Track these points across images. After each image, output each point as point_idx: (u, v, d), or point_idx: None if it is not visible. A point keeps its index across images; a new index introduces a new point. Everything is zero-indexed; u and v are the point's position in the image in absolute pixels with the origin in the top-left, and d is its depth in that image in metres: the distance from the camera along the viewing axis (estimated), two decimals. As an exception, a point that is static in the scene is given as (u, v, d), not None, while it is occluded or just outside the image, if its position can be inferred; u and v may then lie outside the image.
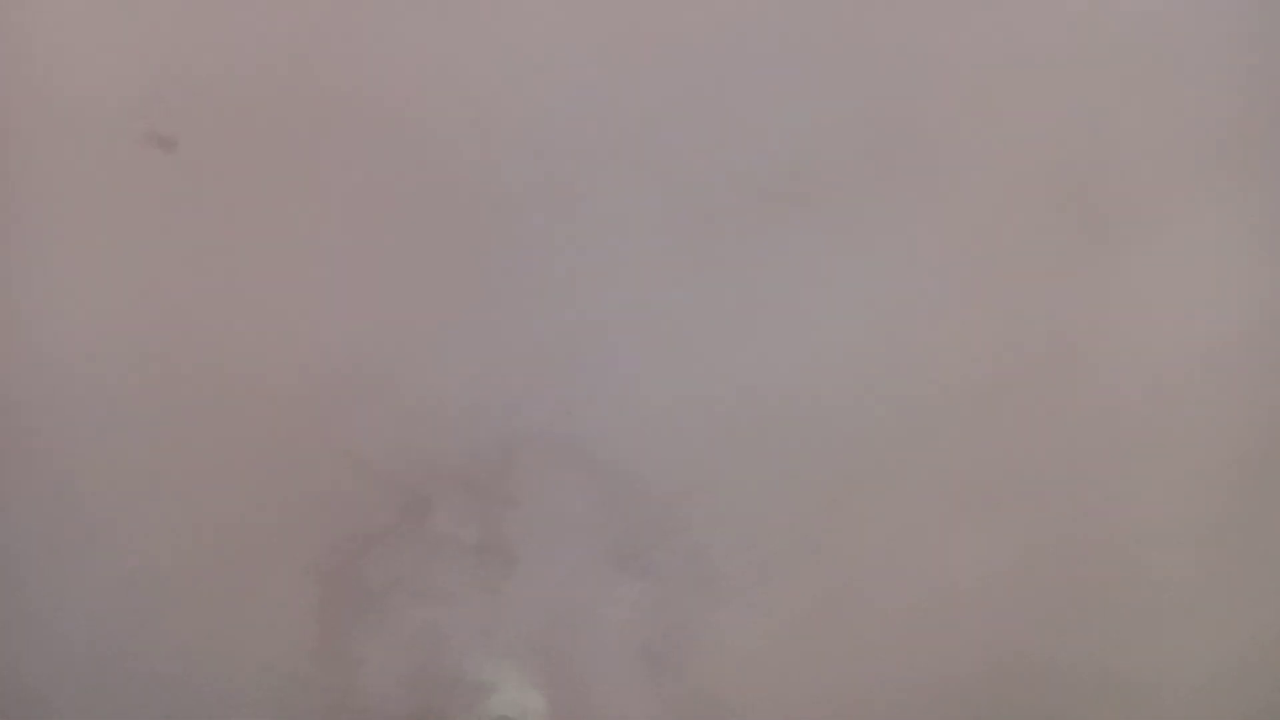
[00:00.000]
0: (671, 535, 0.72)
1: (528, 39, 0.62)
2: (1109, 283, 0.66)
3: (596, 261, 0.67)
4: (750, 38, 0.62)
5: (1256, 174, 0.66)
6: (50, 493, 0.69)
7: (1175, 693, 0.77)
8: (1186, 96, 0.64)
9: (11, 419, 0.68)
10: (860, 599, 0.75)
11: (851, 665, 0.78)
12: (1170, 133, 0.65)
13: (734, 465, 0.70)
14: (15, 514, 0.70)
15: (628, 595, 0.73)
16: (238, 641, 0.71)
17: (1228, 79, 0.64)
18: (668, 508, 0.71)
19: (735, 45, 0.62)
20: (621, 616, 0.74)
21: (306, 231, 0.66)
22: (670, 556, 0.72)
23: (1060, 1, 0.62)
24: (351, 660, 0.71)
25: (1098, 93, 0.63)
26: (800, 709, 0.79)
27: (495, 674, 0.74)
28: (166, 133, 0.62)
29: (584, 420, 0.69)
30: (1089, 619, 0.75)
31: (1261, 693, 0.77)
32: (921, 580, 0.74)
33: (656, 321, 0.68)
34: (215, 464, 0.68)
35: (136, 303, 0.67)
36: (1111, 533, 0.72)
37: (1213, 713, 0.77)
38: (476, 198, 0.65)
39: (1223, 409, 0.70)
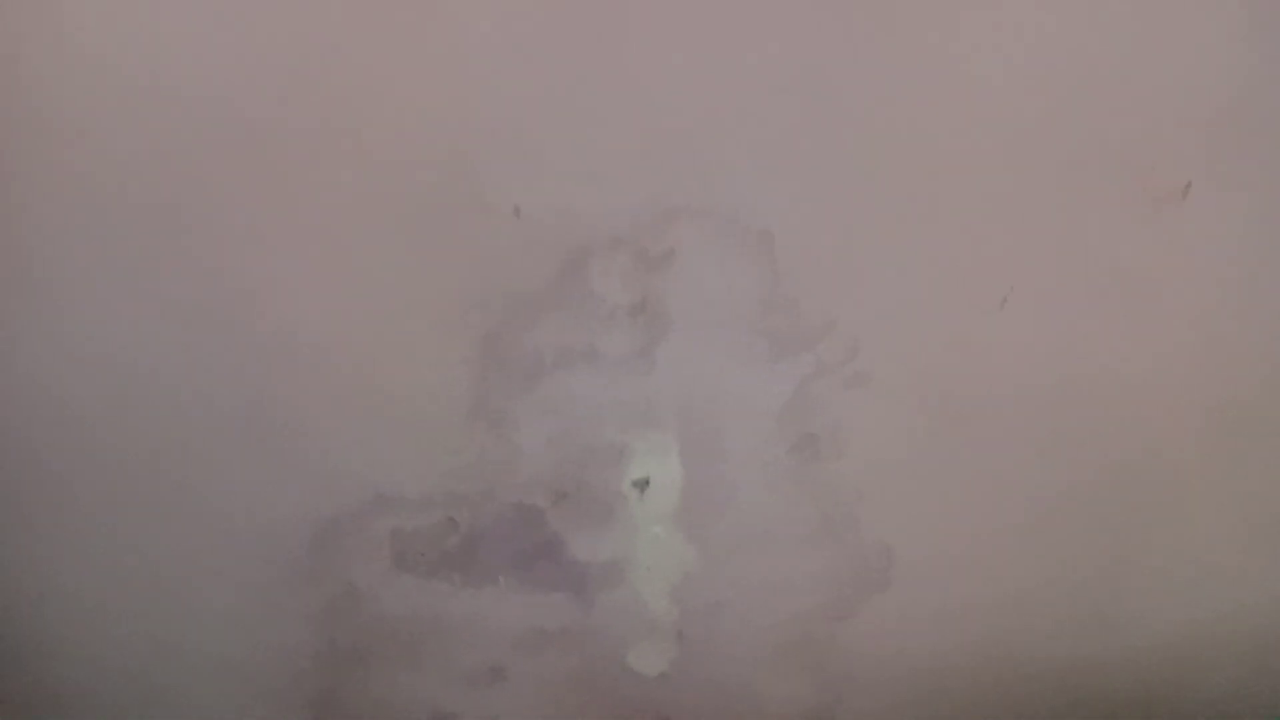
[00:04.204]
0: (835, 330, 0.70)
1: None
2: None
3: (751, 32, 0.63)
4: None
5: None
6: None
7: None
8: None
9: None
10: (1004, 412, 0.73)
11: (987, 474, 0.76)
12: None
13: (891, 268, 0.68)
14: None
15: (784, 383, 0.72)
16: (396, 401, 0.72)
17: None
18: (833, 303, 0.69)
19: None
20: (773, 405, 0.73)
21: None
22: (831, 351, 0.70)
23: None
24: (504, 421, 0.73)
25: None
26: (936, 507, 0.78)
27: (638, 441, 0.75)
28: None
29: (747, 202, 0.66)
30: None
31: None
32: (1074, 395, 0.72)
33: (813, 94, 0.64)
34: (373, 219, 0.66)
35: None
36: None
37: None
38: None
39: None
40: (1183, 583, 0.85)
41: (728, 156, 0.66)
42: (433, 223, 0.66)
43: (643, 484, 0.80)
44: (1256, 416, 0.75)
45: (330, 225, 0.66)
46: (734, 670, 0.91)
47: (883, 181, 0.67)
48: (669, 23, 0.65)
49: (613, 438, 0.75)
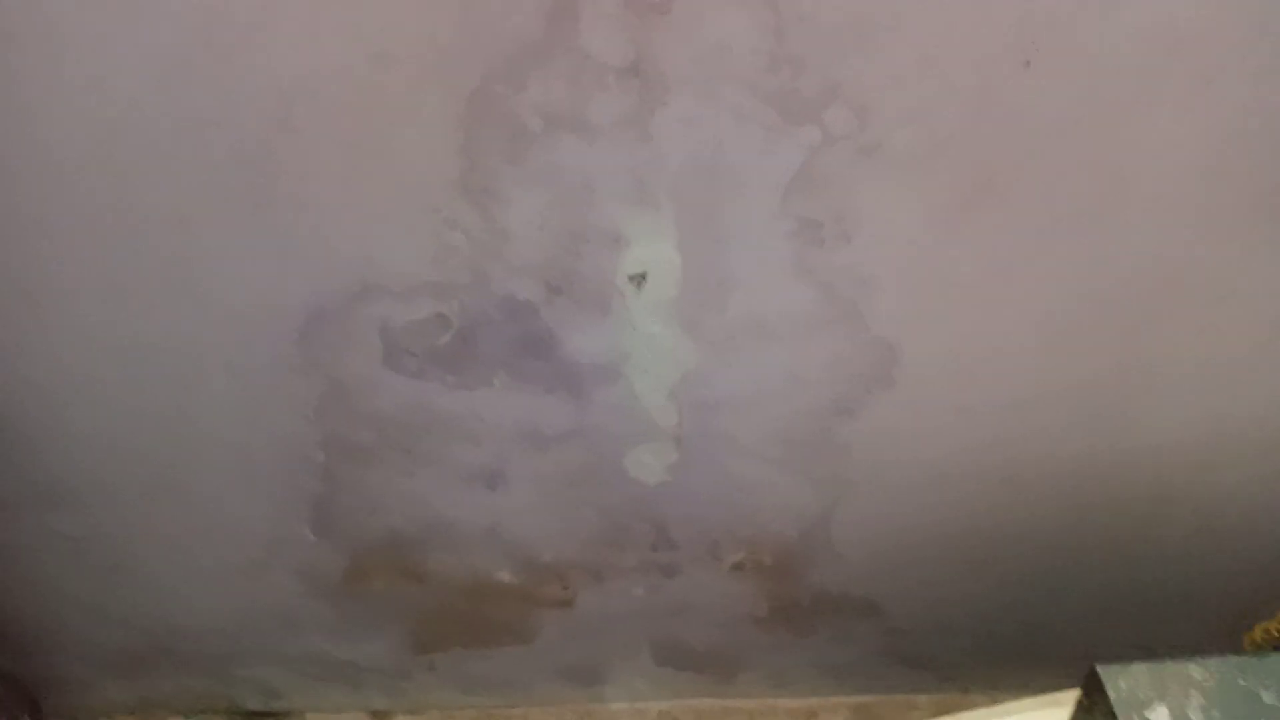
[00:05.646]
0: (842, 93, 0.64)
1: None
2: None
3: None
4: None
5: None
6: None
7: None
8: None
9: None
10: (1022, 189, 0.69)
11: (1003, 263, 0.73)
12: None
13: (905, 20, 0.61)
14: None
15: (789, 157, 0.67)
16: (383, 167, 0.68)
17: None
18: (841, 61, 0.62)
19: None
20: (778, 179, 0.68)
21: None
22: (839, 118, 0.65)
23: None
24: (491, 195, 0.69)
25: None
26: (947, 300, 0.76)
27: (633, 225, 0.71)
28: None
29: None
30: None
31: None
32: (1089, 173, 0.68)
33: None
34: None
35: None
36: None
37: None
38: None
39: None
40: (1196, 382, 0.82)
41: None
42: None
43: (639, 279, 0.77)
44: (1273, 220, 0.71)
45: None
46: (732, 474, 0.90)
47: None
48: None
49: (605, 219, 0.71)
